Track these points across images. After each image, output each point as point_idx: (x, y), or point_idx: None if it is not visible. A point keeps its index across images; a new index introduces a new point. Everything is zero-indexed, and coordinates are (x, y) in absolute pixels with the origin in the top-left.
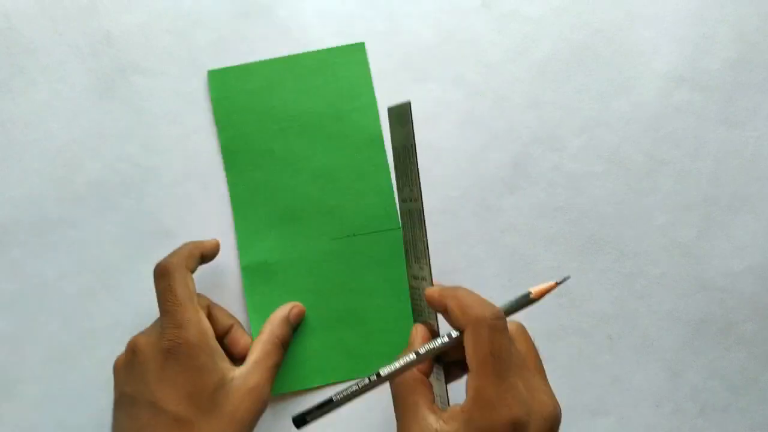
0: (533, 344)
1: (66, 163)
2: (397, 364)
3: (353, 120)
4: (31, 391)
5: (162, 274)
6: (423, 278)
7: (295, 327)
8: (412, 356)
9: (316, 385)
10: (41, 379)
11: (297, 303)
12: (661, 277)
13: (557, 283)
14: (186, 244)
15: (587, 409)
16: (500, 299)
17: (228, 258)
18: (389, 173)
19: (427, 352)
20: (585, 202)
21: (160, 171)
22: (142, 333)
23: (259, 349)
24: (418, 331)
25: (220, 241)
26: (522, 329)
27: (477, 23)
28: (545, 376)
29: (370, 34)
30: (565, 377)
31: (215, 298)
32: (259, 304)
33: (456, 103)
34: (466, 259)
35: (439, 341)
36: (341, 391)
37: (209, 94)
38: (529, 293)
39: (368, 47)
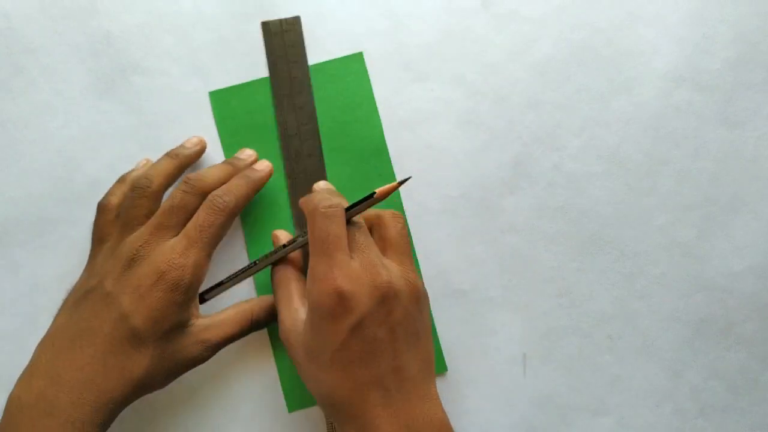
0: (403, 232)
1: (66, 163)
2: (269, 253)
3: (356, 131)
4: None
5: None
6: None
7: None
8: (280, 248)
9: None
10: None
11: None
12: (661, 277)
13: (400, 183)
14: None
15: (587, 409)
16: (500, 299)
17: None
18: (395, 180)
19: (290, 243)
20: (585, 202)
21: None
22: (143, 234)
23: (232, 312)
24: (281, 232)
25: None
26: (394, 216)
27: (477, 23)
28: (406, 259)
29: (370, 34)
30: (565, 377)
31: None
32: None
33: (456, 103)
34: (466, 259)
35: (300, 238)
36: (231, 275)
37: (213, 115)
38: (374, 193)
39: (368, 47)
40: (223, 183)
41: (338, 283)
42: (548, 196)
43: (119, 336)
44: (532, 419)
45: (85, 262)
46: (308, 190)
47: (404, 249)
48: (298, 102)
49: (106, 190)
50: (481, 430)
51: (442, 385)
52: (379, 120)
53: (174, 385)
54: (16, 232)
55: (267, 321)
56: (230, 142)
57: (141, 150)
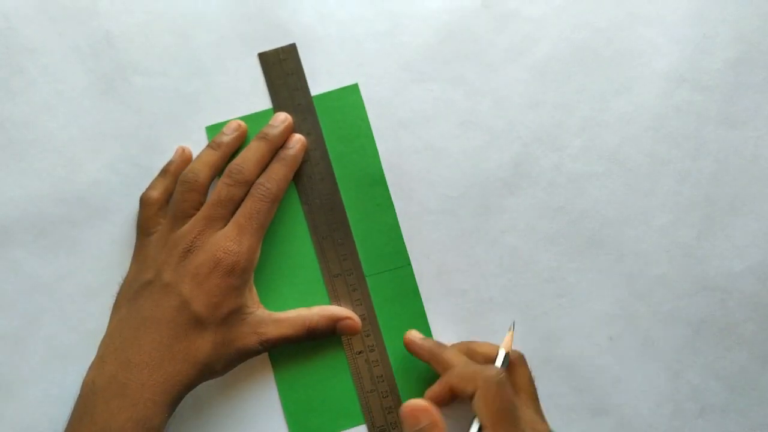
0: (530, 373)
1: (66, 163)
2: None
3: (354, 162)
4: (31, 391)
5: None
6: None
7: (335, 333)
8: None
9: (344, 429)
10: (41, 379)
11: (352, 315)
12: (661, 277)
13: (511, 330)
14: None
15: (587, 409)
16: (500, 299)
17: None
18: (394, 211)
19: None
20: (585, 202)
21: None
22: (205, 225)
23: (293, 315)
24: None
25: None
26: (522, 360)
27: (477, 23)
28: (538, 403)
29: (370, 34)
30: (566, 377)
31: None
32: (279, 354)
33: (456, 103)
34: (466, 259)
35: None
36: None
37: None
38: (507, 353)
39: (368, 47)
40: (262, 164)
41: None
42: (548, 196)
43: (182, 322)
44: None
45: (85, 262)
46: (326, 215)
47: (536, 396)
48: (305, 128)
49: (106, 190)
50: None
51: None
52: (377, 151)
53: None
54: (16, 232)
55: (325, 332)
56: None
57: (141, 150)
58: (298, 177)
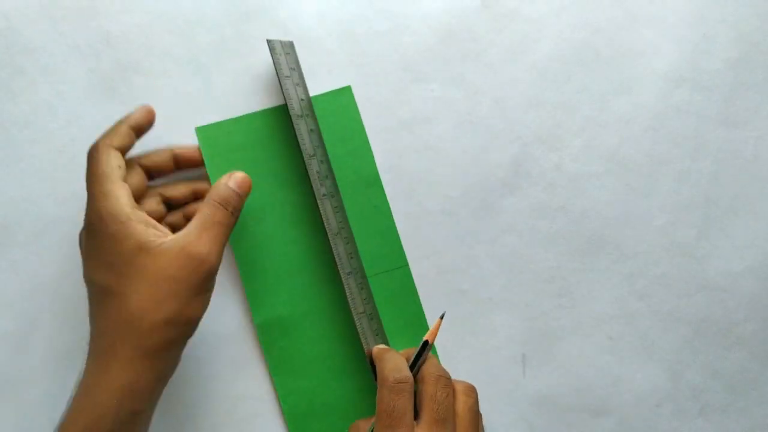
0: (474, 408)
1: (66, 163)
2: None
3: (348, 164)
4: (31, 391)
5: (87, 158)
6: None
7: (241, 194)
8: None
9: None
10: (41, 379)
11: (239, 172)
12: (661, 277)
13: (440, 319)
14: (115, 123)
15: (587, 409)
16: (500, 299)
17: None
18: (390, 212)
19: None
20: (585, 202)
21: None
22: None
23: (198, 214)
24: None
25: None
26: (467, 391)
27: (477, 23)
28: None
29: (370, 34)
30: (566, 377)
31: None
32: (278, 360)
33: (456, 103)
34: (466, 259)
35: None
36: None
37: (201, 149)
38: (426, 341)
39: (368, 47)
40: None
41: None
42: (548, 196)
43: (95, 299)
44: (532, 419)
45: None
46: (334, 214)
47: (473, 427)
48: (310, 124)
49: None
50: None
51: None
52: (371, 151)
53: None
54: (16, 232)
55: (238, 201)
56: (218, 176)
57: (141, 150)
58: (311, 173)
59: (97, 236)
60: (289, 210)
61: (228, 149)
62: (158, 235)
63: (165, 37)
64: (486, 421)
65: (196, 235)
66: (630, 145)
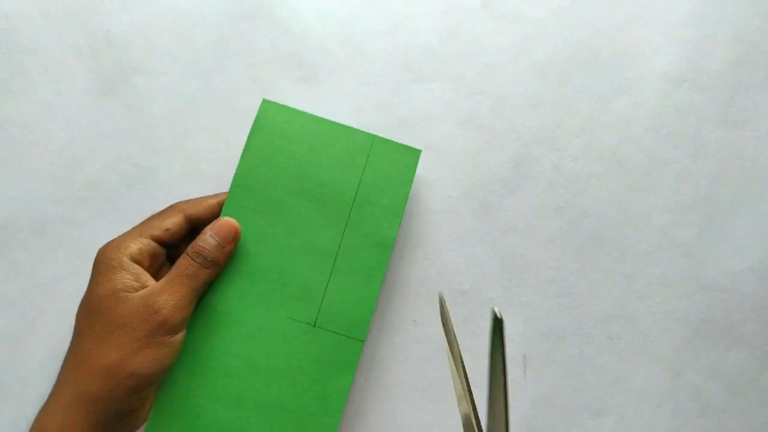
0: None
1: (66, 163)
2: None
3: (374, 215)
4: (31, 391)
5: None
6: None
7: (222, 244)
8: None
9: None
10: (41, 379)
11: (226, 219)
12: (661, 277)
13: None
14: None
15: (587, 409)
16: (500, 299)
17: None
18: (380, 283)
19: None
20: (585, 202)
21: (160, 171)
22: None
23: (175, 264)
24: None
25: None
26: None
27: (477, 23)
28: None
29: (370, 34)
30: (566, 377)
31: None
32: (197, 346)
33: (456, 103)
34: (466, 259)
35: None
36: None
37: (254, 120)
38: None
39: (368, 47)
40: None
41: None
42: (548, 196)
43: (73, 340)
44: (532, 419)
45: (85, 262)
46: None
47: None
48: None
49: (106, 190)
50: None
51: (440, 386)
52: (401, 217)
53: None
54: (16, 232)
55: (214, 249)
56: (253, 153)
57: (141, 150)
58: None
59: (92, 275)
60: (294, 220)
61: (279, 132)
62: (136, 288)
63: (165, 37)
64: None
65: (161, 286)
66: (630, 145)
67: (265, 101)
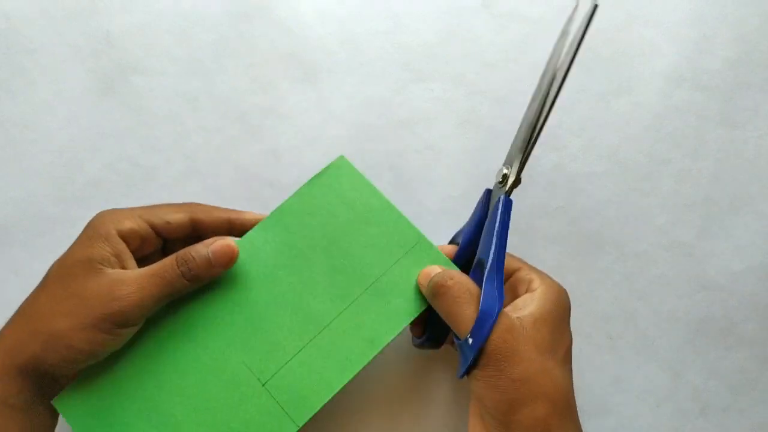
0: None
1: (66, 163)
2: None
3: (381, 309)
4: None
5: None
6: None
7: (213, 263)
8: None
9: None
10: None
11: (228, 240)
12: (661, 277)
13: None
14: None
15: (588, 409)
16: None
17: None
18: (349, 378)
19: None
20: (585, 202)
21: (160, 171)
22: None
23: (157, 263)
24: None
25: None
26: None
27: (477, 23)
28: None
29: (370, 34)
30: None
31: None
32: (144, 344)
33: (456, 103)
34: None
35: None
36: None
37: (322, 169)
38: None
39: (368, 47)
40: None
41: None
42: (548, 196)
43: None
44: None
45: None
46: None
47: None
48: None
49: (106, 190)
50: None
51: (441, 387)
52: (403, 326)
53: None
54: (16, 232)
55: (202, 264)
56: (304, 198)
57: (141, 150)
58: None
59: (79, 235)
60: (304, 278)
61: (336, 190)
62: (113, 263)
63: (165, 37)
64: None
65: (134, 277)
66: (630, 145)
67: (341, 158)
